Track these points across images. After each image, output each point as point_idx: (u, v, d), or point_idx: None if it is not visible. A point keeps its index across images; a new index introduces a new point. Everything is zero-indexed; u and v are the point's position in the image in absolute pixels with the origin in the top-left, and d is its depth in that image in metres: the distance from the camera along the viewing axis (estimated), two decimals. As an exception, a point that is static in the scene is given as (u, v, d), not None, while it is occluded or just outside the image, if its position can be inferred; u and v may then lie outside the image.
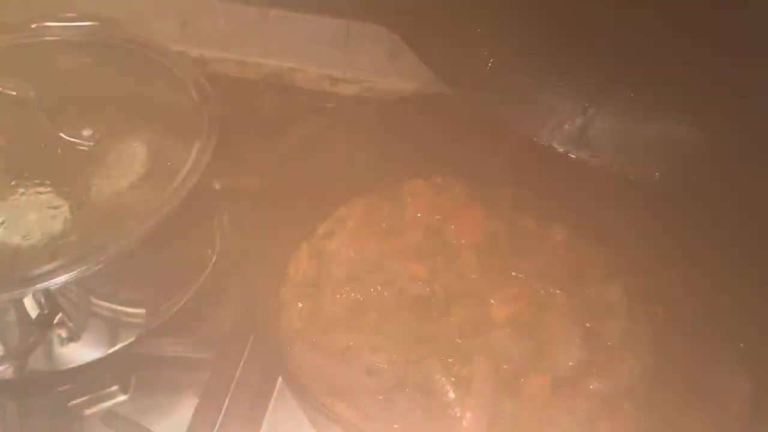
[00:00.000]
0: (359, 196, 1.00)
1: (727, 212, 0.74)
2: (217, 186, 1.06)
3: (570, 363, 0.79)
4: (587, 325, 0.84)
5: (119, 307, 0.92)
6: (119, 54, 1.03)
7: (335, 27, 1.08)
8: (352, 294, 0.87)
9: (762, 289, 0.67)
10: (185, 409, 0.91)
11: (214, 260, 1.03)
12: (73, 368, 0.90)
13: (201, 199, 0.95)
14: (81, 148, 0.88)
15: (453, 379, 0.78)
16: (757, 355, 0.66)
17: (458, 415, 0.75)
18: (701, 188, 0.78)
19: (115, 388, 0.96)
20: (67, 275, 0.77)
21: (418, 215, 0.97)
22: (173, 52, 1.03)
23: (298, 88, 1.13)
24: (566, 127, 0.88)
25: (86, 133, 0.88)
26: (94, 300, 0.87)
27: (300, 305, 0.86)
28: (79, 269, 0.78)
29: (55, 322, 0.79)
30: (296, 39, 1.11)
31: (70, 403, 0.93)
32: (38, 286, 0.76)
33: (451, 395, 0.77)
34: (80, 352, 0.90)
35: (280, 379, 0.96)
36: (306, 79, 1.14)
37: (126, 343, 0.92)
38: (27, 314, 0.81)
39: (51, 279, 0.76)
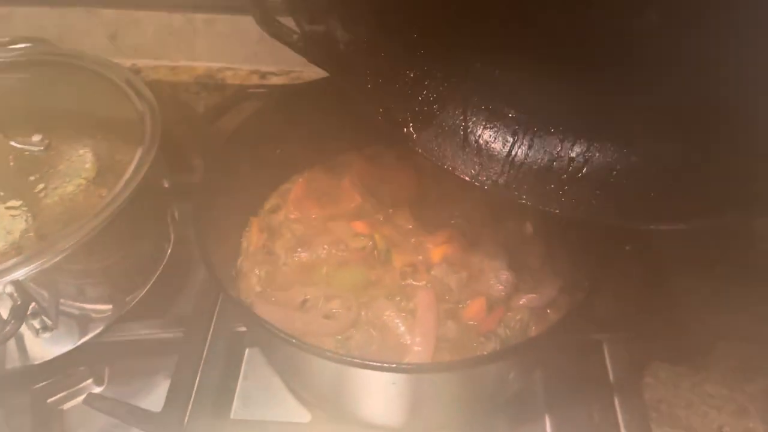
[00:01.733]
0: (298, 173, 1.10)
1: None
2: (165, 184, 1.13)
3: (500, 286, 0.90)
4: (511, 254, 0.96)
5: (87, 305, 0.98)
6: (57, 69, 1.09)
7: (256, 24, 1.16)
8: (303, 255, 0.95)
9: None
10: (160, 390, 0.97)
11: (170, 251, 1.09)
12: (48, 362, 0.95)
13: (152, 197, 1.02)
14: (33, 153, 0.94)
15: (402, 313, 0.88)
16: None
17: (409, 342, 0.85)
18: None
19: (89, 381, 1.01)
20: (29, 267, 0.83)
21: (355, 182, 1.07)
22: (109, 62, 1.10)
23: (229, 85, 1.21)
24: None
25: (36, 138, 0.94)
26: (62, 300, 0.92)
27: (257, 272, 0.94)
28: (40, 260, 0.83)
29: (29, 312, 0.84)
30: (223, 40, 1.19)
31: (49, 400, 0.98)
32: (3, 279, 0.81)
33: (401, 327, 0.87)
34: (53, 345, 0.95)
35: (247, 351, 1.05)
36: (236, 76, 1.22)
37: (96, 332, 0.97)
38: (-1, 312, 0.86)
39: (15, 272, 0.82)
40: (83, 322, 0.96)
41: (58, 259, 0.84)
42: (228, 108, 0.98)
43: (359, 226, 0.99)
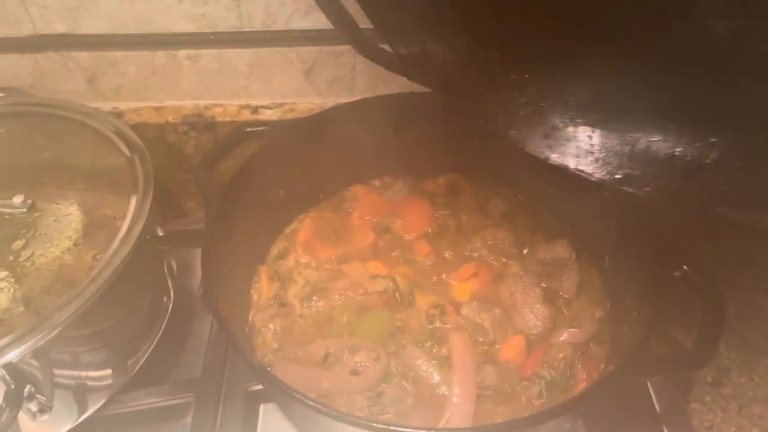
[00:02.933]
0: (303, 212, 1.02)
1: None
2: (160, 232, 1.05)
3: (537, 322, 0.84)
4: (543, 285, 0.90)
5: (84, 373, 0.90)
6: (34, 120, 1.01)
7: (245, 56, 1.10)
8: (320, 303, 0.88)
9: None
10: (173, 460, 0.89)
11: (170, 306, 1.01)
12: (47, 445, 0.86)
13: (147, 250, 0.94)
14: (14, 215, 0.86)
15: (434, 361, 0.81)
16: (700, 274, 0.73)
17: (446, 392, 0.78)
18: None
19: (94, 458, 0.93)
20: (23, 347, 0.74)
21: (366, 218, 1.00)
22: (89, 108, 1.02)
23: (219, 122, 1.14)
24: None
25: (17, 200, 0.85)
26: (57, 370, 0.84)
27: (272, 326, 0.87)
28: (34, 339, 0.75)
29: (24, 395, 0.75)
30: (210, 75, 1.12)
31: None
32: (-3, 362, 0.73)
33: (436, 376, 0.80)
34: (50, 427, 0.86)
35: (262, 407, 0.96)
36: (226, 112, 1.15)
37: (98, 406, 0.89)
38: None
39: (7, 354, 0.74)
40: (82, 395, 0.87)
41: (53, 334, 0.75)
42: (225, 151, 0.91)
43: (376, 266, 0.92)
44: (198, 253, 1.10)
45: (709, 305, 0.68)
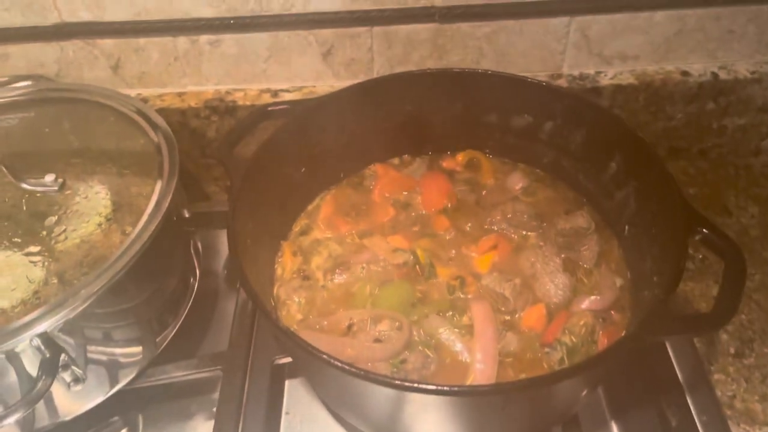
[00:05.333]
0: (325, 190, 1.04)
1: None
2: (186, 214, 1.07)
3: (558, 290, 0.85)
4: (563, 255, 0.90)
5: (115, 348, 0.92)
6: (61, 105, 1.04)
7: (264, 40, 1.12)
8: (342, 276, 0.90)
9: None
10: (202, 433, 0.91)
11: (197, 285, 1.04)
12: (80, 416, 0.88)
13: (174, 230, 0.96)
14: (47, 194, 0.88)
15: (456, 329, 0.82)
16: (720, 235, 0.73)
17: (468, 359, 0.79)
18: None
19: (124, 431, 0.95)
20: (56, 317, 0.77)
21: (386, 194, 1.01)
22: (115, 92, 1.05)
23: (240, 106, 1.16)
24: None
25: (49, 179, 0.88)
26: (89, 345, 0.86)
27: (296, 299, 0.88)
28: (65, 311, 0.77)
29: (60, 364, 0.78)
30: (230, 60, 1.14)
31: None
32: (30, 332, 0.75)
33: (458, 344, 0.81)
34: (83, 398, 0.88)
35: (287, 383, 0.98)
36: (247, 96, 1.16)
37: (129, 379, 0.91)
38: (25, 369, 0.80)
39: (41, 324, 0.76)
40: (114, 369, 0.90)
41: (84, 306, 0.78)
42: (248, 129, 0.93)
43: (397, 240, 0.94)
44: (222, 234, 1.14)
45: (730, 264, 0.69)
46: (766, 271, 1.05)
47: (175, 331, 0.97)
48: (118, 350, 0.91)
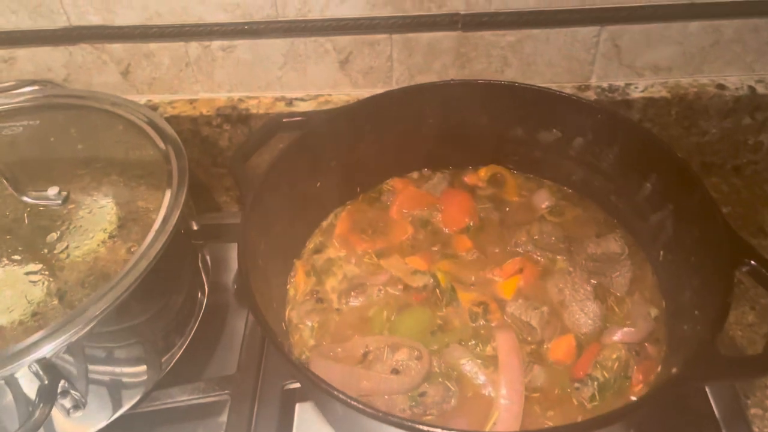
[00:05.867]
0: (340, 205, 0.99)
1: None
2: (195, 226, 1.03)
3: (588, 320, 0.79)
4: (593, 281, 0.85)
5: (118, 368, 0.88)
6: (68, 112, 1.00)
7: (279, 47, 1.07)
8: (359, 299, 0.85)
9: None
10: (208, 460, 0.87)
11: (205, 301, 0.99)
12: (81, 443, 0.84)
13: (182, 244, 0.92)
14: (49, 208, 0.84)
15: (479, 360, 0.77)
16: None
17: (492, 393, 0.74)
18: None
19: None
20: (57, 342, 0.73)
21: (404, 211, 0.96)
22: (124, 100, 1.01)
23: (253, 115, 1.11)
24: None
25: (52, 192, 0.84)
26: (90, 365, 0.82)
27: (309, 323, 0.84)
28: (68, 334, 0.73)
29: (58, 391, 0.74)
30: (244, 67, 1.10)
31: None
32: (29, 357, 0.71)
33: (481, 377, 0.76)
34: (85, 424, 0.84)
35: (297, 406, 0.94)
36: (260, 104, 1.12)
37: (132, 402, 0.87)
38: (23, 393, 0.76)
39: (41, 349, 0.72)
40: (116, 393, 0.86)
41: (87, 330, 0.73)
42: (261, 141, 0.88)
43: (416, 261, 0.89)
44: (232, 247, 1.09)
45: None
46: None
47: (181, 351, 0.93)
48: (121, 372, 0.87)
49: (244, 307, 1.03)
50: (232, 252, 1.12)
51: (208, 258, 1.06)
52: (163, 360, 0.91)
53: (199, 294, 1.00)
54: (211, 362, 0.99)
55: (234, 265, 1.12)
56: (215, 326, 1.02)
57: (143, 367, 0.89)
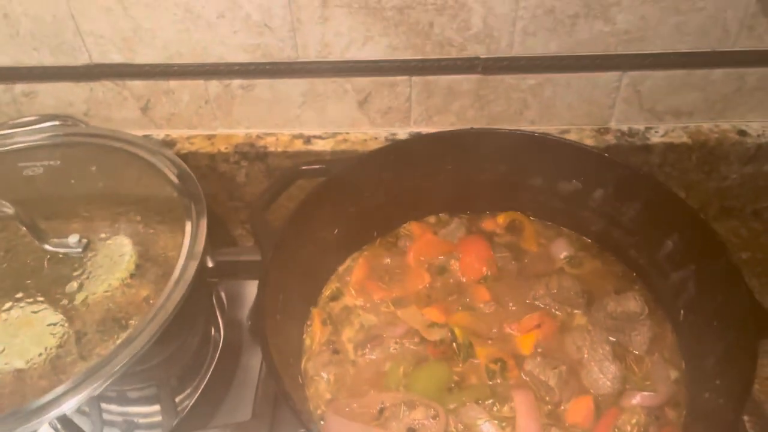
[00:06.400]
0: (357, 250, 0.99)
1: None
2: (210, 263, 1.03)
3: (607, 381, 0.79)
4: (612, 339, 0.84)
5: (132, 409, 0.88)
6: (88, 150, 1.00)
7: (299, 86, 1.07)
8: (375, 352, 0.85)
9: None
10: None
11: (221, 340, 0.99)
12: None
13: (197, 283, 0.92)
14: (69, 255, 0.84)
15: (496, 420, 0.77)
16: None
17: (509, 456, 0.74)
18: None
19: None
20: (79, 396, 0.72)
21: (421, 258, 0.96)
22: (141, 139, 1.01)
23: (271, 152, 1.11)
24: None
25: (72, 240, 0.84)
26: (104, 406, 0.83)
27: (324, 375, 0.83)
28: (89, 389, 0.72)
29: (76, 443, 0.74)
30: (263, 105, 1.10)
31: None
32: (51, 414, 0.71)
33: (499, 438, 0.75)
34: (98, 476, 0.85)
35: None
36: (278, 142, 1.12)
37: (147, 451, 0.87)
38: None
39: (62, 404, 0.71)
40: (131, 439, 0.86)
41: (108, 383, 0.73)
42: (281, 190, 0.88)
43: (432, 313, 0.88)
44: (247, 283, 1.10)
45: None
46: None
47: (198, 393, 0.93)
48: (135, 414, 0.87)
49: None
50: (247, 287, 1.12)
51: (222, 295, 1.06)
52: (177, 402, 0.91)
53: (214, 331, 1.01)
54: (226, 403, 0.98)
55: (248, 300, 1.12)
56: (231, 365, 1.02)
57: (156, 408, 0.89)
